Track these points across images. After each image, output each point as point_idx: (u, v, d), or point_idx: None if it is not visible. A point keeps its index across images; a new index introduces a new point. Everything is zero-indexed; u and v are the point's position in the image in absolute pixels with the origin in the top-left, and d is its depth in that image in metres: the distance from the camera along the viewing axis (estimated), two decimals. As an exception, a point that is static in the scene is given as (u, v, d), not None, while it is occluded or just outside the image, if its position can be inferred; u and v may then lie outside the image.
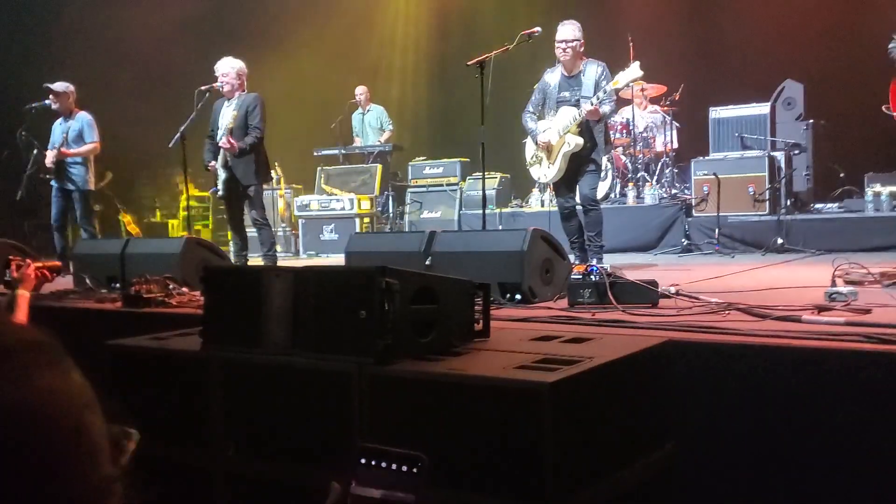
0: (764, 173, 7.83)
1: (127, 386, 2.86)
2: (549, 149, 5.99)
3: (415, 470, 1.06)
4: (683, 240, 7.75)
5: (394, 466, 1.07)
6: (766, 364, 2.65)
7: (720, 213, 7.55)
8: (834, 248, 6.55)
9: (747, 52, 10.04)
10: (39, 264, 3.56)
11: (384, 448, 1.09)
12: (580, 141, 5.82)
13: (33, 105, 7.87)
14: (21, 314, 3.17)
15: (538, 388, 1.99)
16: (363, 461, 1.08)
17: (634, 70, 5.86)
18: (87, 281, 5.74)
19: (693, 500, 2.71)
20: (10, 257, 3.69)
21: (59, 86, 7.77)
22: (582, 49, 5.90)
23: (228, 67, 6.55)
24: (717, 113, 8.54)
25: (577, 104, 5.83)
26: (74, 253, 6.66)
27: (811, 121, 8.83)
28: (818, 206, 8.51)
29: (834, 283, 3.64)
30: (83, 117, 7.79)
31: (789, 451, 2.60)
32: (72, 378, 0.66)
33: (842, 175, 8.90)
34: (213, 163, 6.57)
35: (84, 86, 8.09)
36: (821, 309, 3.23)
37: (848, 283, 3.93)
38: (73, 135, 7.72)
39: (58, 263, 3.79)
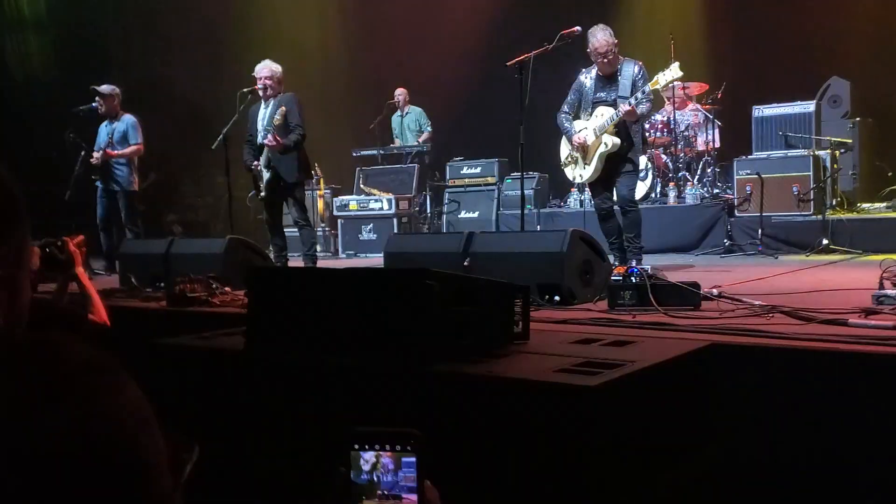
0: (808, 172, 7.67)
1: (170, 384, 2.91)
2: (584, 149, 5.95)
3: (409, 448, 1.07)
4: (725, 240, 7.64)
5: (387, 447, 1.08)
6: (811, 368, 2.61)
7: (763, 213, 7.42)
8: (881, 249, 6.39)
9: (791, 49, 9.86)
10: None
11: (376, 429, 1.09)
12: (617, 141, 5.77)
13: (81, 108, 8.04)
14: (95, 296, 3.00)
15: (581, 392, 1.98)
16: (356, 446, 1.09)
17: (674, 70, 5.78)
18: (133, 280, 5.87)
19: (736, 505, 2.68)
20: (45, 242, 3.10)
21: (105, 88, 7.93)
22: (617, 50, 5.82)
23: (268, 71, 6.60)
24: (761, 111, 8.38)
25: (613, 104, 5.78)
26: (120, 253, 6.81)
27: (858, 119, 8.65)
28: (865, 205, 8.33)
29: (881, 286, 3.56)
30: (128, 119, 7.94)
31: (835, 457, 2.56)
32: (128, 398, 0.67)
33: (889, 174, 8.70)
34: (255, 162, 6.63)
35: (130, 87, 8.24)
36: (868, 312, 3.17)
37: (896, 285, 3.84)
38: (118, 136, 7.87)
39: (81, 237, 3.50)
